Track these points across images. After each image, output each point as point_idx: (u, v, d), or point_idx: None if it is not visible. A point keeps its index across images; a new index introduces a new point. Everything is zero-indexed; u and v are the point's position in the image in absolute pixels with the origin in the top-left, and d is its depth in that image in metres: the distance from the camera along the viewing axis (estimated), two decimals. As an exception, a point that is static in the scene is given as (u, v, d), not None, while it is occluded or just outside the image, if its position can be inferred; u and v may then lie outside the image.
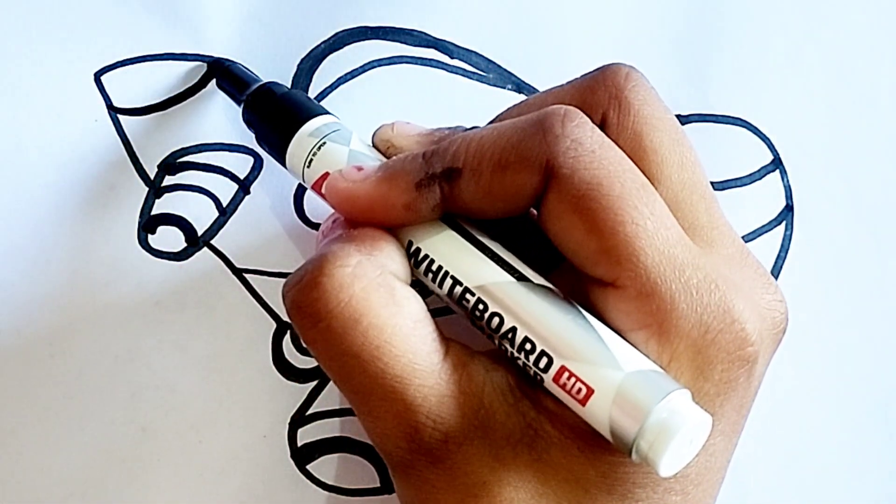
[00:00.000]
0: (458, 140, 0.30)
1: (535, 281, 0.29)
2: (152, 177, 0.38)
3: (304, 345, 0.31)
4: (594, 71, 0.32)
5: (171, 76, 0.38)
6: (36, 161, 0.38)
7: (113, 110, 0.38)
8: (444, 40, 0.39)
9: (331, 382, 0.38)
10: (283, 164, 0.35)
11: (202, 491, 0.37)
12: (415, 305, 0.30)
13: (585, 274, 0.29)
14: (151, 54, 0.38)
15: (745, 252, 0.31)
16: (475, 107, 0.39)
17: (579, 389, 0.28)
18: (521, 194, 0.29)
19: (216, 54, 0.38)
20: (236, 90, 0.37)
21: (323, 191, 0.33)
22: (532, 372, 0.29)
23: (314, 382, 0.38)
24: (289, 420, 0.37)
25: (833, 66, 0.40)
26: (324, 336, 0.29)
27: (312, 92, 0.39)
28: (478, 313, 0.30)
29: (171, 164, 0.38)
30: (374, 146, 0.34)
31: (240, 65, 0.38)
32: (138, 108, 0.38)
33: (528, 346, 0.29)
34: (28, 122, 0.38)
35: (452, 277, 0.30)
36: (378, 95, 0.39)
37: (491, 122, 0.33)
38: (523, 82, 0.39)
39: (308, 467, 0.37)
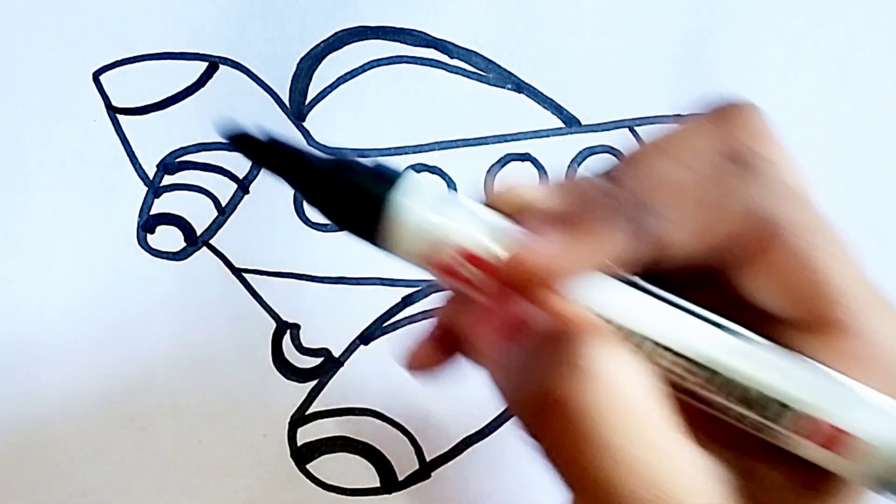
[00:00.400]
0: (642, 175, 0.27)
1: (744, 333, 0.27)
2: (151, 176, 0.38)
3: (538, 445, 0.26)
4: (723, 105, 0.29)
5: (169, 75, 0.38)
6: (35, 161, 0.38)
7: (112, 110, 0.38)
8: (444, 40, 0.39)
9: (331, 382, 0.38)
10: (371, 241, 0.27)
11: (202, 491, 0.37)
12: (651, 379, 0.26)
13: (784, 319, 0.27)
14: (150, 54, 0.38)
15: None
16: (475, 107, 0.39)
17: (835, 439, 0.26)
18: (719, 234, 0.27)
19: (215, 54, 0.38)
20: (290, 169, 0.28)
21: (462, 260, 0.27)
22: (773, 432, 0.27)
23: (314, 382, 0.38)
24: (288, 420, 0.37)
25: (832, 66, 0.40)
26: (570, 426, 0.25)
27: (312, 92, 0.39)
28: (701, 380, 0.27)
29: (170, 164, 0.38)
30: (495, 201, 0.28)
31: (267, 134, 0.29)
32: (137, 108, 0.38)
33: (769, 405, 0.26)
34: (27, 122, 0.38)
35: (657, 343, 0.27)
36: (378, 95, 0.39)
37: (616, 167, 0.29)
38: (523, 82, 0.39)
39: (308, 467, 0.37)
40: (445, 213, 0.26)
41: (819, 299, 0.27)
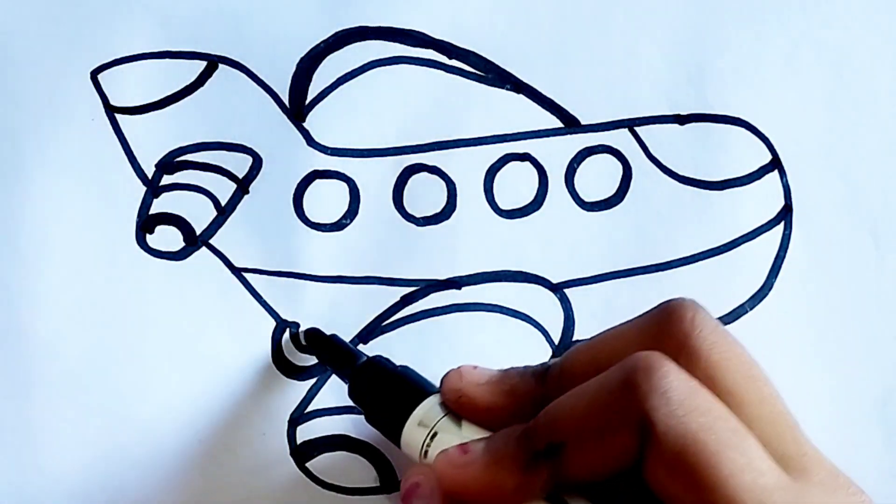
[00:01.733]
0: (552, 412, 0.30)
1: None
2: (150, 176, 0.38)
3: None
4: (657, 311, 0.31)
5: (168, 75, 0.38)
6: (33, 161, 0.37)
7: (110, 109, 0.38)
8: (443, 40, 0.39)
9: (330, 380, 0.38)
10: (396, 441, 0.34)
11: (202, 491, 0.37)
12: None
13: None
14: (149, 52, 0.38)
15: (835, 473, 0.31)
16: (475, 107, 0.39)
17: None
18: (624, 456, 0.28)
19: (215, 53, 0.38)
20: (341, 362, 0.36)
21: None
22: None
23: (313, 380, 0.38)
24: (288, 418, 0.37)
25: (831, 65, 0.40)
26: None
27: (312, 92, 0.39)
28: None
29: (169, 164, 0.38)
30: (444, 395, 0.33)
31: (333, 335, 0.38)
32: (136, 107, 0.38)
33: None
34: (25, 122, 0.37)
35: None
36: (378, 95, 0.39)
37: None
38: (522, 82, 0.39)
39: (307, 465, 0.37)
40: (436, 431, 0.33)
41: (701, 495, 0.27)
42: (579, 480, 0.29)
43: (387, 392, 0.34)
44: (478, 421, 0.32)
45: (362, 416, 0.36)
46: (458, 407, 0.33)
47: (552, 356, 0.38)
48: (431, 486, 0.31)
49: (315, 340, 0.37)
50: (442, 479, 0.31)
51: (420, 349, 0.38)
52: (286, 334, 0.38)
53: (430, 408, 0.33)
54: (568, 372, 0.31)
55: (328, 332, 0.37)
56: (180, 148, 0.38)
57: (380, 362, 0.35)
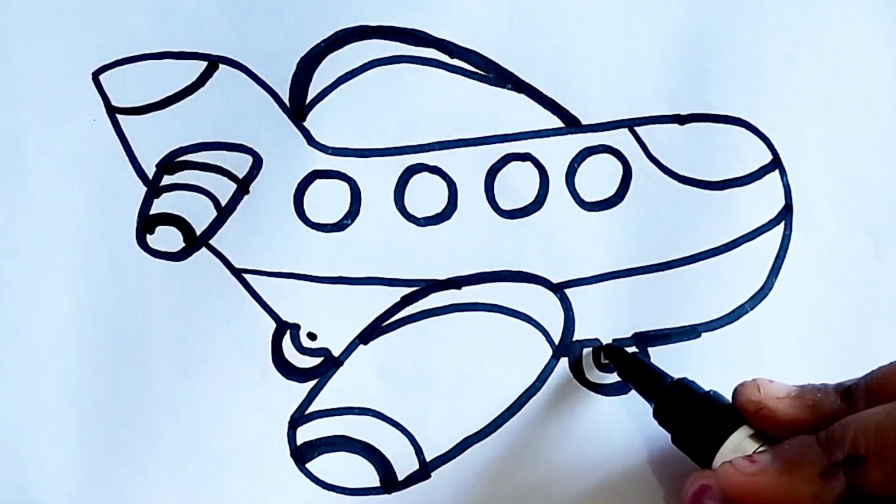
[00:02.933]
0: (852, 425, 0.31)
1: None
2: (150, 176, 0.38)
3: None
4: None
5: (169, 75, 0.38)
6: (34, 161, 0.38)
7: (111, 109, 0.38)
8: (444, 40, 0.39)
9: (330, 381, 0.38)
10: (705, 465, 0.35)
11: (202, 491, 0.37)
12: None
13: None
14: (149, 53, 0.38)
15: None
16: (475, 107, 0.39)
17: None
18: None
19: (215, 53, 0.38)
20: (647, 382, 0.37)
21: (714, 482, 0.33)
22: None
23: (314, 381, 0.38)
24: (288, 419, 0.37)
25: (831, 65, 0.40)
26: None
27: (312, 92, 0.39)
28: None
29: (170, 164, 0.38)
30: (740, 405, 0.34)
31: (635, 353, 0.38)
32: (137, 108, 0.38)
33: None
34: (27, 122, 0.38)
35: None
36: (379, 95, 0.39)
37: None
38: (523, 82, 0.39)
39: (307, 466, 0.37)
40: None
41: None
42: (874, 495, 0.30)
43: (697, 417, 0.35)
44: (776, 434, 0.33)
45: (362, 418, 0.36)
46: (757, 419, 0.33)
47: (552, 356, 0.38)
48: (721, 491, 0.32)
49: (618, 358, 0.38)
50: (731, 488, 0.32)
51: (420, 349, 0.38)
52: (287, 336, 0.38)
53: (743, 438, 0.34)
54: (876, 390, 0.32)
55: (326, 332, 0.37)
56: (181, 148, 0.38)
57: (688, 385, 0.36)
